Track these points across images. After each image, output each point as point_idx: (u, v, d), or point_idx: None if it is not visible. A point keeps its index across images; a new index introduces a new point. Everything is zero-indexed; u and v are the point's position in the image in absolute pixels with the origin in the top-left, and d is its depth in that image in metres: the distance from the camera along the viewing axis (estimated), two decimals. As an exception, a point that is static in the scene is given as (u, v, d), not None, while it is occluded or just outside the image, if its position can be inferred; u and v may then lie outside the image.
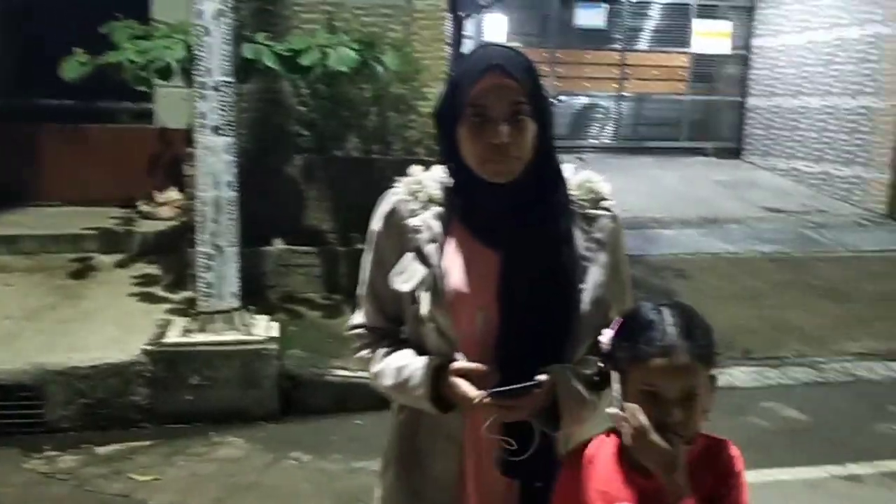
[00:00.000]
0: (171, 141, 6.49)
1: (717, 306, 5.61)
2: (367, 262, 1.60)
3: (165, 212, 6.26)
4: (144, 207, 6.33)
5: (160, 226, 6.00)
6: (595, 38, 11.62)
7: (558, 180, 1.50)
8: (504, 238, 1.46)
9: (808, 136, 10.21)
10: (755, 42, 11.51)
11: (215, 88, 4.24)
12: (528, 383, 1.39)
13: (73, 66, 4.83)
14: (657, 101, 11.90)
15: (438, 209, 1.51)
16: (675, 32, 11.74)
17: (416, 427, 1.59)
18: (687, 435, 1.34)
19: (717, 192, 9.61)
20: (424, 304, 1.47)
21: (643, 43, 11.86)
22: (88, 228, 5.82)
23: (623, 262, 1.58)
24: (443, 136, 1.48)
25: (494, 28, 12.00)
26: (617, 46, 11.68)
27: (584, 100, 11.79)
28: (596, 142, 11.77)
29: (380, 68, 5.31)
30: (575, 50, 11.62)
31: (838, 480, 3.72)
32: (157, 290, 5.10)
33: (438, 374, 1.47)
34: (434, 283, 1.47)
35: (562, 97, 11.66)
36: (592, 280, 1.49)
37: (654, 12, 11.82)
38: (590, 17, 11.48)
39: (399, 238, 1.51)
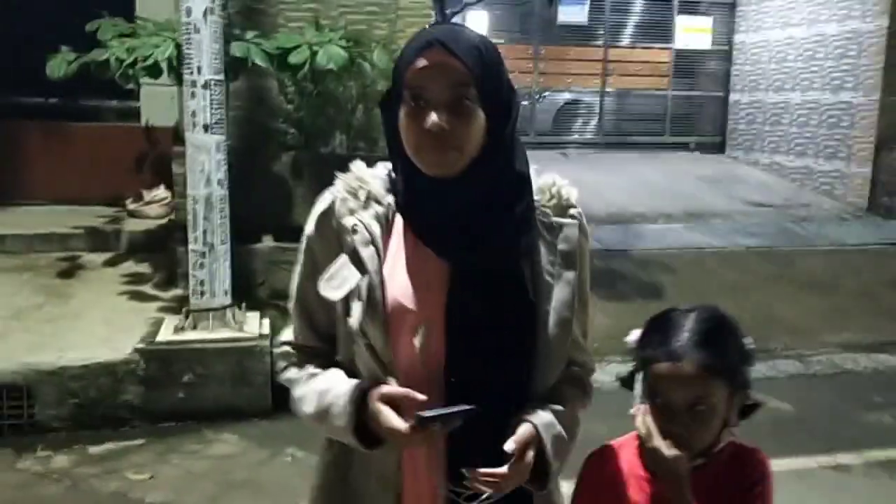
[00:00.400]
0: (158, 139, 6.46)
1: (703, 300, 5.66)
2: (296, 270, 1.39)
3: (153, 210, 6.24)
4: (132, 206, 6.30)
5: (148, 224, 5.98)
6: (578, 34, 11.66)
7: (518, 182, 1.29)
8: (453, 245, 1.26)
9: (789, 131, 10.32)
10: (737, 38, 11.62)
11: (205, 86, 4.23)
12: (466, 407, 1.19)
13: (59, 64, 4.80)
14: (640, 97, 11.97)
15: (379, 209, 1.31)
16: (657, 28, 11.81)
17: (347, 467, 1.35)
18: (694, 447, 1.30)
19: (700, 187, 9.70)
20: (355, 315, 1.26)
21: (626, 39, 11.93)
22: (76, 227, 5.79)
23: (587, 278, 1.39)
24: (385, 124, 1.30)
25: (476, 25, 12.01)
26: (599, 42, 11.74)
27: (567, 96, 11.83)
28: (580, 137, 11.82)
29: (367, 66, 5.31)
30: (558, 46, 11.65)
31: (826, 470, 3.79)
32: (147, 289, 5.08)
33: (364, 401, 1.25)
34: (368, 292, 1.26)
35: (545, 93, 11.70)
36: (558, 299, 1.29)
37: (637, 8, 11.88)
38: (572, 14, 11.52)
39: (334, 241, 1.31)
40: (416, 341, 1.26)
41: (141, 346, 4.14)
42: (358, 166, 1.35)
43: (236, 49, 4.70)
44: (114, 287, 5.11)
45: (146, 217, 6.15)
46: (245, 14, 5.71)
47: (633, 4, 11.87)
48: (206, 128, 4.27)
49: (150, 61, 4.56)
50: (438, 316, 1.25)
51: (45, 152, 6.52)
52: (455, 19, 6.73)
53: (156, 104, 6.45)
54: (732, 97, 11.66)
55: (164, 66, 4.62)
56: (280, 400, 4.24)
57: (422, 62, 1.21)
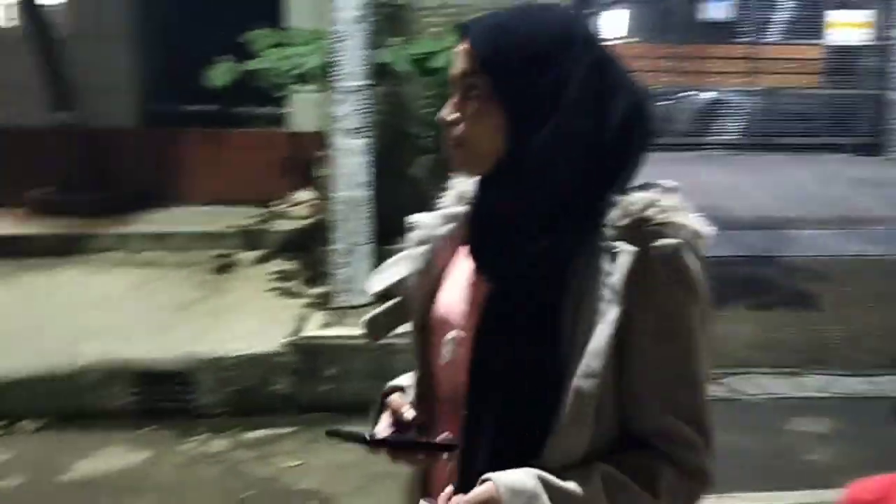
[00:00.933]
0: (304, 144, 6.77)
1: (862, 311, 5.33)
2: None
3: (299, 211, 6.54)
4: (279, 207, 6.64)
5: (295, 224, 6.28)
6: (721, 32, 11.25)
7: (567, 197, 1.03)
8: (483, 256, 1.10)
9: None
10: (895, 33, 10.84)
11: (353, 92, 4.40)
12: (434, 441, 1.10)
13: (220, 73, 5.12)
14: (789, 96, 11.38)
15: (460, 209, 1.18)
16: (807, 23, 11.21)
17: None
18: None
19: (855, 191, 9.10)
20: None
21: (773, 35, 11.38)
22: (229, 226, 6.16)
23: (692, 347, 1.03)
24: None
25: (614, 24, 11.82)
26: (745, 39, 11.26)
27: (709, 95, 11.43)
28: (723, 139, 11.39)
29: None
30: (700, 44, 11.29)
31: None
32: (294, 286, 5.34)
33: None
34: (410, 293, 1.19)
35: (685, 92, 11.36)
36: (593, 345, 1.00)
37: (785, 3, 11.32)
38: (715, 10, 11.13)
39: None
40: (445, 355, 1.13)
41: (289, 339, 4.35)
42: None
43: (381, 55, 4.85)
44: (264, 283, 5.40)
45: (293, 218, 6.46)
46: (387, 21, 5.88)
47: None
48: (352, 132, 4.44)
49: (301, 69, 4.79)
50: (468, 335, 1.10)
51: (202, 157, 6.98)
52: (595, 20, 6.65)
53: (302, 110, 6.75)
54: (890, 95, 10.87)
55: (314, 73, 4.84)
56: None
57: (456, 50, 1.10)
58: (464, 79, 1.05)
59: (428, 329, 1.17)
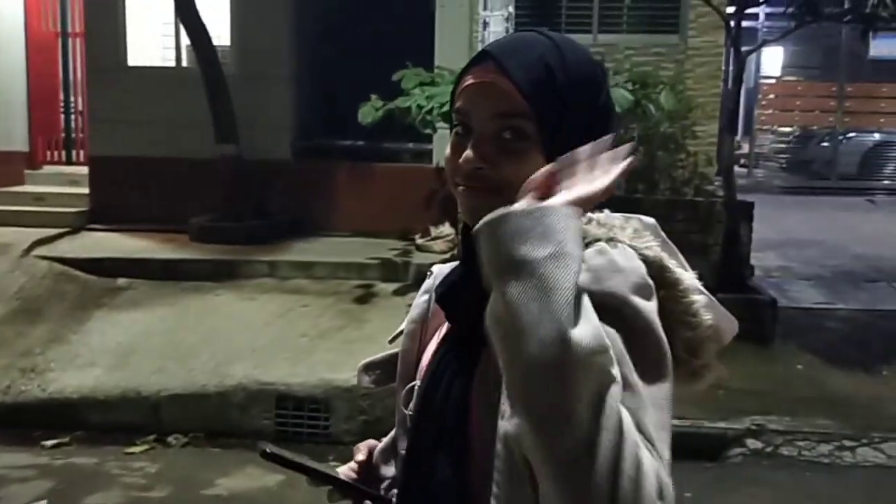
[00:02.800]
0: (447, 179, 6.88)
1: None
2: None
3: (439, 245, 6.63)
4: (420, 240, 6.76)
5: (433, 258, 6.36)
6: (892, 70, 10.52)
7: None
8: (461, 308, 1.00)
9: None
10: None
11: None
12: (368, 489, 1.12)
13: (369, 111, 5.32)
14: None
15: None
16: None
17: None
18: None
19: None
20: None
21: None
22: (371, 258, 6.33)
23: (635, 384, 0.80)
24: None
25: (771, 62, 11.33)
26: (919, 78, 10.48)
27: (877, 137, 10.68)
28: (889, 183, 10.58)
29: (652, 108, 5.22)
30: (868, 83, 10.60)
31: None
32: (430, 320, 5.38)
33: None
34: (404, 343, 1.14)
35: (851, 134, 10.67)
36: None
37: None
38: (887, 47, 10.42)
39: None
40: (407, 405, 1.06)
41: (423, 373, 4.38)
42: None
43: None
44: (402, 315, 5.46)
45: (432, 251, 6.55)
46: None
47: (963, 34, 10.46)
48: (493, 169, 4.46)
49: (447, 108, 4.88)
50: (422, 382, 1.05)
51: (350, 189, 7.25)
52: (751, 57, 6.40)
53: (446, 146, 6.87)
54: None
55: (458, 111, 4.91)
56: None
57: (469, 80, 0.95)
58: (503, 120, 0.93)
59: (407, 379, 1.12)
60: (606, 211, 0.94)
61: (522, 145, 0.92)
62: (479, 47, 4.44)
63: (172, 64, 7.80)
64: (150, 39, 7.89)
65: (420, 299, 1.13)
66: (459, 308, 1.00)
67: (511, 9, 6.57)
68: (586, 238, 0.86)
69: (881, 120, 10.60)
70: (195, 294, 5.85)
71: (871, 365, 5.13)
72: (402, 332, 1.14)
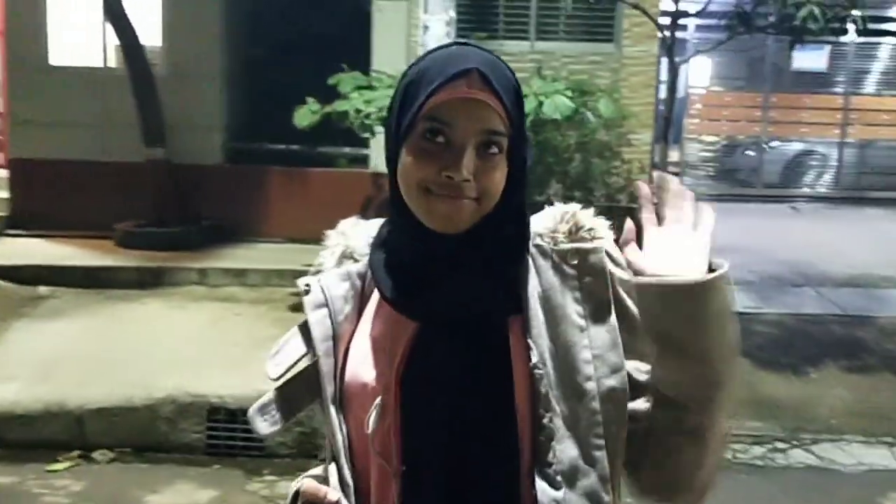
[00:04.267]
0: (384, 184, 6.80)
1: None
2: None
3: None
4: (357, 247, 6.65)
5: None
6: (814, 82, 10.92)
7: (521, 238, 1.06)
8: (422, 301, 1.02)
9: None
10: None
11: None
12: None
13: (305, 114, 5.21)
14: (886, 149, 10.92)
15: (354, 267, 1.10)
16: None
17: None
18: None
19: (958, 249, 8.58)
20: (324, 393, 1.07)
21: (870, 86, 10.98)
22: (307, 265, 6.17)
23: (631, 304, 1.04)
24: (387, 158, 1.07)
25: (695, 72, 11.60)
26: (839, 90, 10.90)
27: (800, 146, 11.07)
28: (813, 191, 10.99)
29: (590, 115, 5.27)
30: (791, 94, 10.98)
31: None
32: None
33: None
34: (315, 365, 1.07)
35: (774, 143, 11.04)
36: (601, 360, 1.01)
37: (883, 53, 10.93)
38: (809, 59, 10.81)
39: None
40: (370, 422, 1.00)
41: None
42: (346, 221, 1.18)
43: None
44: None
45: (370, 258, 6.46)
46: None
47: (878, 49, 10.94)
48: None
49: (385, 112, 4.82)
50: (393, 396, 1.00)
51: (284, 194, 7.10)
52: (682, 67, 6.53)
53: (383, 151, 6.81)
54: None
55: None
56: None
57: (453, 92, 0.97)
58: (490, 135, 0.99)
59: (344, 401, 1.05)
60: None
61: (498, 158, 1.00)
62: (420, 51, 4.39)
63: (99, 64, 7.51)
64: (76, 38, 7.58)
65: (317, 315, 1.08)
66: (447, 301, 1.01)
67: (452, 13, 6.54)
68: (587, 226, 1.06)
69: (803, 130, 11.00)
70: (122, 302, 5.63)
71: (799, 367, 5.27)
72: (290, 369, 1.08)
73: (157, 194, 6.70)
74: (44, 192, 7.05)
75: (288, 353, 1.09)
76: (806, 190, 10.97)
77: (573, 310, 1.02)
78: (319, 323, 1.07)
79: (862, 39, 10.57)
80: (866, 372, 5.26)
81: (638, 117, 6.96)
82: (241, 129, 7.65)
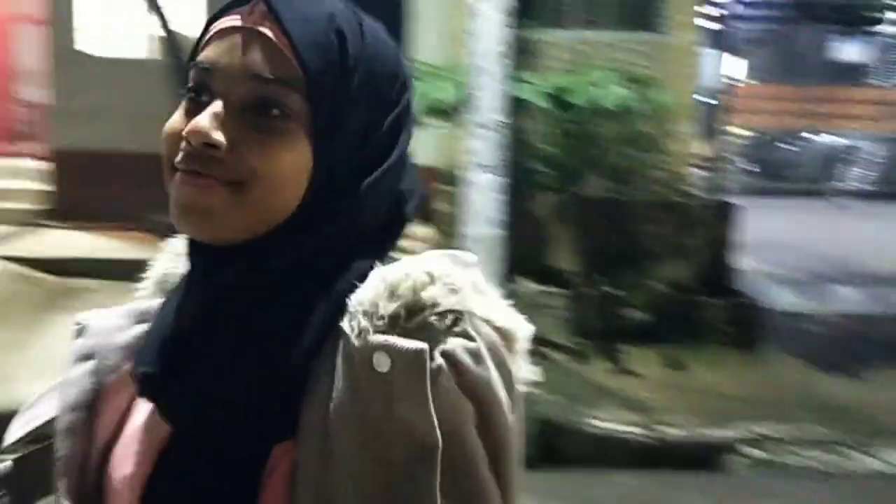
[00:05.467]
0: (422, 177, 6.71)
1: None
2: None
3: (414, 245, 6.45)
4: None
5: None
6: (853, 74, 10.72)
7: (333, 286, 0.70)
8: (161, 380, 0.69)
9: None
10: None
11: (490, 127, 4.28)
12: None
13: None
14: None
15: (155, 302, 0.77)
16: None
17: None
18: None
19: None
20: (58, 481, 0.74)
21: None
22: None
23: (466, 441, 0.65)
24: None
25: (734, 66, 11.43)
26: (880, 83, 10.69)
27: (837, 140, 10.88)
28: (849, 186, 10.80)
29: (644, 107, 5.17)
30: (828, 86, 10.78)
31: None
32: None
33: None
34: (61, 444, 0.74)
35: (809, 135, 10.87)
36: (356, 460, 0.66)
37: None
38: (848, 52, 10.61)
39: None
40: None
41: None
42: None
43: (519, 90, 4.74)
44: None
45: (409, 252, 6.37)
46: (519, 55, 5.79)
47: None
48: (486, 168, 4.32)
49: (434, 103, 4.73)
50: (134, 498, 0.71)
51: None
52: (723, 58, 6.39)
53: (419, 143, 6.71)
54: None
55: (445, 107, 4.78)
56: (546, 451, 4.12)
57: (221, 24, 0.68)
58: (262, 86, 0.65)
59: (104, 498, 0.73)
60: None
61: (281, 125, 0.65)
62: (477, 40, 4.29)
63: (143, 55, 7.43)
64: (119, 29, 7.55)
65: (78, 370, 0.75)
66: (195, 398, 0.67)
67: None
68: (438, 307, 0.66)
69: (841, 123, 10.80)
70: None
71: (854, 368, 5.15)
72: (38, 436, 0.76)
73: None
74: (87, 185, 7.02)
75: (40, 412, 0.76)
76: (842, 185, 10.80)
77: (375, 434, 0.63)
78: (75, 383, 0.74)
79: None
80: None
81: (682, 108, 6.83)
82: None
